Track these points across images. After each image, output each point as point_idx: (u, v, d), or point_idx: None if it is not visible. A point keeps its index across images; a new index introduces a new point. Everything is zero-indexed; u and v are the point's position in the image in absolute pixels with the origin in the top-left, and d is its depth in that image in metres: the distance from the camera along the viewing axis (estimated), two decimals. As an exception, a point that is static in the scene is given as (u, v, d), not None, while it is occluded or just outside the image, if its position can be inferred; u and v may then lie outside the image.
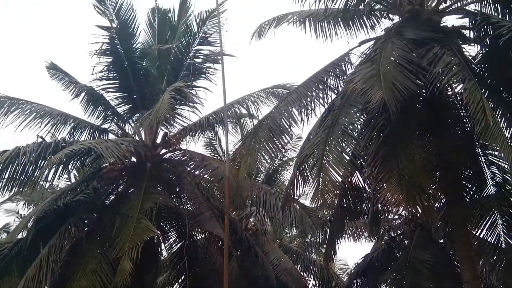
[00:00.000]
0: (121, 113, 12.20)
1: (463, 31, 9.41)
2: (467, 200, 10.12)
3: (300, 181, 9.65)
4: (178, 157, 12.39)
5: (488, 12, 9.06)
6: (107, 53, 11.38)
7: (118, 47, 11.41)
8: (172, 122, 12.00)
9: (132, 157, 11.72)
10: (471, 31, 9.25)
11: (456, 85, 8.57)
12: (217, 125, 13.02)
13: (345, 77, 10.24)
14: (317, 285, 16.20)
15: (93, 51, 11.14)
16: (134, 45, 11.83)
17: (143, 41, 12.48)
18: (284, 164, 17.05)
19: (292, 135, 13.79)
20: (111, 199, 12.22)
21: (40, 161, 10.17)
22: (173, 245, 12.56)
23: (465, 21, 9.33)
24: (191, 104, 11.63)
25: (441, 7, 9.49)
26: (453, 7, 9.43)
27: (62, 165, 10.53)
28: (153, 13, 12.66)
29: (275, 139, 10.21)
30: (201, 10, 12.16)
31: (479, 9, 9.09)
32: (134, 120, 12.27)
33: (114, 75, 11.77)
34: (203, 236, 12.90)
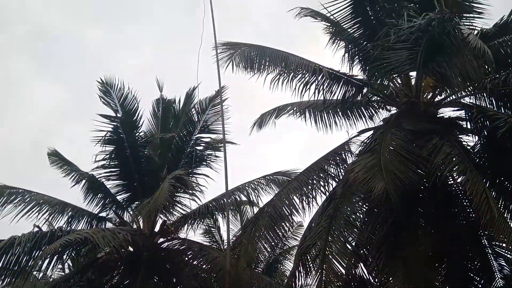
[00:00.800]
0: (120, 201, 12.11)
1: (460, 122, 9.62)
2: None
3: (302, 272, 9.36)
4: (176, 246, 12.11)
5: (483, 104, 9.31)
6: (110, 141, 11.53)
7: (122, 136, 11.59)
8: (171, 210, 11.87)
9: (129, 247, 11.42)
10: (468, 122, 9.47)
11: (457, 175, 8.58)
12: (216, 213, 12.86)
13: (345, 165, 10.30)
14: None
15: (97, 140, 11.29)
16: (137, 134, 12.02)
17: (146, 130, 12.74)
18: (284, 253, 16.60)
19: (293, 223, 13.69)
20: (106, 290, 11.71)
21: (35, 251, 9.88)
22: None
23: (462, 113, 9.59)
24: (191, 191, 11.56)
25: (436, 99, 9.80)
26: (448, 99, 9.72)
27: (57, 255, 10.21)
28: (158, 103, 13.06)
29: (276, 228, 10.10)
30: (200, 99, 12.52)
31: (474, 102, 9.36)
32: (133, 208, 12.14)
33: (116, 163, 11.83)
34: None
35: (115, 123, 11.49)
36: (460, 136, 9.50)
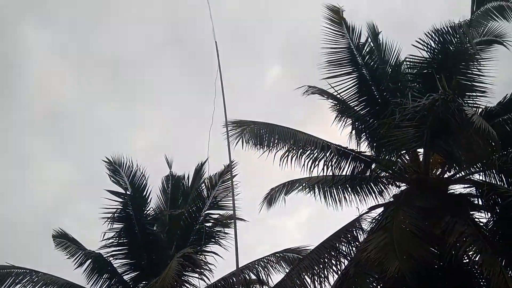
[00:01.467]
0: (127, 281, 11.81)
1: (471, 198, 9.58)
2: None
3: None
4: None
5: (494, 181, 9.31)
6: (119, 219, 11.48)
7: (131, 213, 11.55)
8: (179, 289, 11.54)
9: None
10: (479, 199, 9.42)
11: (472, 255, 8.41)
12: (226, 292, 12.46)
13: (357, 243, 10.16)
14: None
15: (106, 217, 11.24)
16: (146, 211, 11.98)
17: (155, 207, 12.70)
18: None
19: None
20: None
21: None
22: None
23: (472, 189, 9.56)
24: (199, 270, 11.31)
25: (445, 176, 9.83)
26: (458, 176, 9.75)
27: None
28: (167, 180, 13.14)
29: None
30: (210, 175, 12.58)
31: (484, 179, 9.37)
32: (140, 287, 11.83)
33: (124, 241, 11.68)
34: None
35: (124, 200, 11.51)
36: (472, 212, 9.42)
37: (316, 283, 9.70)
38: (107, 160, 11.80)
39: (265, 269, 12.00)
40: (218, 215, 12.41)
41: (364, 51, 10.36)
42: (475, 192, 9.52)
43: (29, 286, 10.68)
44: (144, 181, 12.01)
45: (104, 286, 11.63)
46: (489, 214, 9.36)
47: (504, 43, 9.88)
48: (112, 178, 11.65)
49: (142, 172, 12.03)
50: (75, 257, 11.63)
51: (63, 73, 26.19)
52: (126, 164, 11.91)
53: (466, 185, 9.64)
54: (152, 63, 26.09)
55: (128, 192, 11.65)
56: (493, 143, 7.99)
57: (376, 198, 10.72)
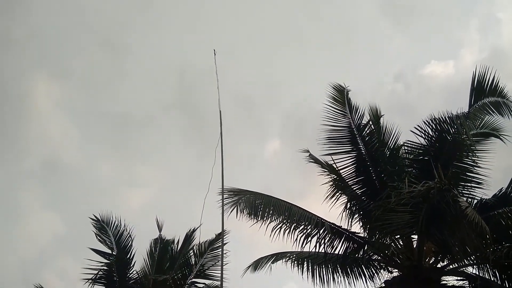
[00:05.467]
0: None
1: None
2: None
3: None
4: None
5: (487, 276, 9.12)
6: (101, 280, 11.15)
7: (114, 275, 11.25)
8: None
9: None
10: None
11: None
12: None
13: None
14: None
15: (88, 277, 10.92)
16: (130, 274, 11.67)
17: (140, 269, 12.37)
18: None
19: None
20: None
21: None
22: None
23: (465, 282, 9.34)
24: None
25: (439, 265, 9.63)
26: (451, 266, 9.55)
27: None
28: (155, 242, 12.91)
29: None
30: (200, 242, 12.36)
31: (477, 273, 9.18)
32: None
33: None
34: None
35: (109, 261, 11.24)
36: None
37: None
38: (95, 218, 11.65)
39: None
40: (203, 285, 12.08)
41: (364, 132, 10.53)
42: (468, 285, 9.29)
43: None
44: (130, 242, 11.80)
45: None
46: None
47: (501, 137, 10.08)
48: (98, 237, 11.50)
49: (129, 233, 11.87)
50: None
51: (66, 126, 26.57)
52: (114, 223, 11.77)
53: (459, 278, 9.42)
54: (155, 125, 26.56)
55: (113, 253, 11.40)
56: (486, 237, 7.90)
57: (366, 282, 10.45)
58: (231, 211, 10.31)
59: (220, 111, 9.29)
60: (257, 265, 11.82)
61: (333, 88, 10.76)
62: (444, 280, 9.50)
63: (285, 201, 10.82)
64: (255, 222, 10.42)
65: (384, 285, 9.81)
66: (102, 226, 11.63)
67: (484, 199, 9.46)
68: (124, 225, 11.79)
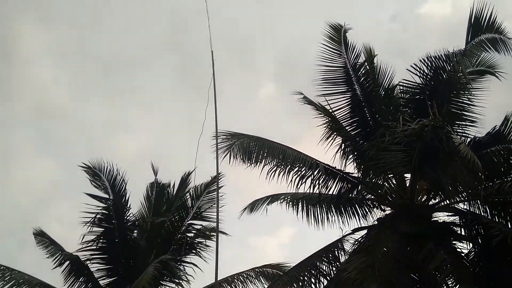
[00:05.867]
0: (103, 286, 11.60)
1: (454, 227, 9.56)
2: None
3: None
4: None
5: (478, 211, 9.32)
6: (99, 223, 11.31)
7: (112, 218, 11.39)
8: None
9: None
10: (462, 229, 9.41)
11: (452, 284, 8.37)
12: (202, 305, 12.26)
13: (338, 263, 10.08)
14: None
15: (86, 221, 11.07)
16: (127, 217, 11.81)
17: (138, 213, 12.55)
18: None
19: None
20: None
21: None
22: None
23: (456, 218, 9.56)
24: (177, 280, 11.15)
25: (430, 203, 9.81)
26: (443, 203, 9.74)
27: None
28: (152, 186, 13.01)
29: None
30: (196, 185, 12.46)
31: (468, 208, 9.37)
32: (115, 294, 11.60)
33: (103, 246, 11.49)
34: None
35: (105, 205, 11.36)
36: (454, 242, 9.40)
37: (293, 300, 9.57)
38: (85, 166, 11.61)
39: (244, 283, 11.88)
40: (200, 226, 12.29)
41: (360, 72, 10.40)
42: (458, 221, 9.51)
43: (0, 284, 10.44)
44: (124, 186, 11.83)
45: (80, 289, 11.42)
46: (471, 244, 9.33)
47: (496, 74, 9.99)
48: (93, 183, 11.51)
49: (122, 177, 11.82)
50: (54, 257, 11.44)
51: (55, 70, 26.05)
52: (106, 168, 11.73)
53: (450, 214, 9.63)
54: (146, 66, 26.01)
55: (109, 197, 11.49)
56: (478, 174, 8.00)
57: (360, 220, 10.67)
58: (225, 155, 10.34)
59: (212, 51, 9.05)
60: (253, 206, 12.00)
61: (330, 26, 10.51)
62: (435, 217, 9.72)
63: (279, 143, 10.84)
64: (249, 165, 10.49)
65: (376, 222, 10.01)
66: (95, 172, 11.61)
67: (477, 137, 9.51)
68: (117, 170, 11.74)
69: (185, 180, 12.54)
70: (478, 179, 8.19)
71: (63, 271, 11.32)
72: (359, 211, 10.62)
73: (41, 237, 11.77)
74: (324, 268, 10.13)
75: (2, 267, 10.79)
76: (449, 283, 8.47)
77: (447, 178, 8.32)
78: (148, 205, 12.79)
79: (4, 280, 10.58)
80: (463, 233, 9.43)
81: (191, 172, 12.29)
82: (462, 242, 9.43)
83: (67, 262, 11.32)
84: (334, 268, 10.02)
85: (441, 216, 9.71)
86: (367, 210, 10.56)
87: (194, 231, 12.20)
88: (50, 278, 11.48)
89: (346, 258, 9.79)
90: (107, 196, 11.47)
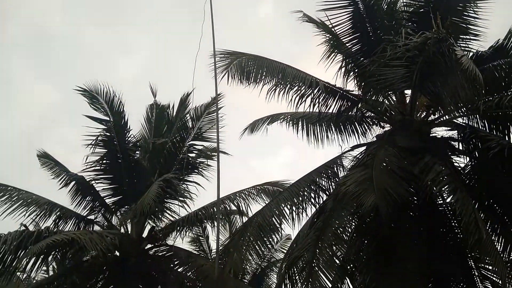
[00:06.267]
0: (109, 205, 11.99)
1: (452, 142, 9.69)
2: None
3: (288, 284, 9.31)
4: (163, 253, 12.00)
5: (476, 126, 9.39)
6: (102, 144, 11.46)
7: (114, 139, 11.52)
8: (159, 216, 11.79)
9: (116, 251, 11.30)
10: (460, 143, 9.54)
11: (447, 195, 8.63)
12: (206, 221, 12.78)
13: (337, 179, 10.32)
14: None
15: (88, 143, 11.21)
16: (128, 138, 11.94)
17: (139, 134, 12.68)
18: (271, 266, 16.50)
19: (281, 235, 13.63)
20: (89, 295, 11.56)
21: (20, 251, 9.73)
22: None
23: (454, 133, 9.66)
24: (180, 198, 11.50)
25: (430, 118, 9.87)
26: (442, 119, 9.80)
27: (42, 256, 10.06)
28: (151, 108, 13.05)
29: (264, 237, 10.05)
30: (196, 106, 12.49)
31: (467, 123, 9.44)
32: (122, 212, 12.03)
33: (106, 166, 11.74)
34: None
35: (106, 126, 11.44)
36: (451, 156, 9.57)
37: (294, 213, 9.91)
38: (81, 89, 11.53)
39: (246, 200, 12.27)
40: (202, 147, 12.49)
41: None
42: (457, 136, 9.61)
43: (8, 203, 10.77)
44: (122, 108, 11.85)
45: (87, 208, 11.81)
46: (467, 159, 9.52)
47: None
48: (91, 105, 11.52)
49: (119, 99, 11.81)
50: (60, 178, 11.72)
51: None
52: (103, 90, 11.68)
53: (448, 128, 9.71)
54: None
55: (109, 119, 11.55)
56: (478, 87, 7.96)
57: (359, 138, 10.79)
58: (224, 75, 10.20)
59: (207, -32, 8.69)
60: (253, 127, 12.06)
61: None
62: (434, 132, 9.82)
63: (278, 62, 10.66)
64: (248, 85, 10.39)
65: (375, 139, 10.13)
66: (92, 95, 11.56)
67: (480, 51, 9.35)
68: (113, 92, 11.70)
69: (184, 101, 12.55)
70: (479, 93, 8.16)
71: (69, 191, 11.68)
72: (358, 129, 10.71)
73: (45, 158, 11.99)
74: (324, 183, 10.40)
75: (10, 188, 11.09)
76: (444, 195, 8.75)
77: (447, 92, 8.29)
78: (148, 126, 12.89)
79: (12, 200, 10.92)
80: (460, 148, 9.59)
81: (190, 93, 12.29)
82: (459, 156, 9.62)
83: (73, 183, 11.63)
84: (333, 183, 10.28)
85: (440, 131, 9.81)
86: (367, 128, 10.65)
87: (196, 152, 12.41)
88: (56, 200, 11.87)
89: (345, 173, 10.00)
90: (107, 118, 11.53)
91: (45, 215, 11.22)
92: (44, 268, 12.91)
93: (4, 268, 10.00)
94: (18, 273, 11.68)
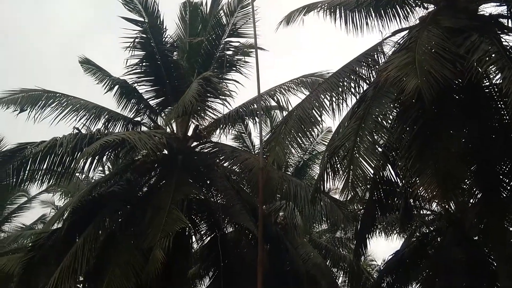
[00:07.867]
0: (154, 106, 12.35)
1: (501, 19, 9.10)
2: (504, 195, 9.75)
3: (330, 174, 9.47)
4: (209, 149, 12.47)
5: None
6: (139, 46, 11.50)
7: (151, 40, 11.52)
8: (202, 114, 12.09)
9: (164, 150, 11.83)
10: (510, 20, 8.94)
11: (493, 75, 8.30)
12: (247, 118, 13.00)
13: (377, 67, 10.02)
14: (347, 281, 15.99)
15: (126, 45, 11.27)
16: (165, 38, 11.90)
17: (174, 35, 12.61)
18: (313, 158, 16.93)
19: (322, 127, 13.75)
20: (144, 190, 12.39)
21: (76, 152, 10.34)
22: (204, 237, 12.61)
23: (503, 9, 9.02)
24: (221, 96, 11.66)
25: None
26: (490, -6, 9.12)
27: (97, 156, 10.69)
28: (185, 7, 12.80)
29: (305, 129, 10.04)
30: (229, 1, 12.14)
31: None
32: (166, 112, 12.39)
33: (147, 68, 11.89)
34: (233, 229, 12.94)
35: (142, 28, 11.38)
36: (500, 34, 9.02)
37: (334, 104, 9.87)
38: None
39: (285, 94, 12.29)
40: (238, 43, 12.33)
41: None
42: (506, 12, 8.98)
43: (58, 109, 11.27)
44: (157, 7, 11.66)
45: (133, 110, 12.23)
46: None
47: None
48: (126, 6, 11.37)
49: None
50: (104, 82, 12.03)
51: None
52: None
53: (497, 4, 9.05)
54: None
55: (144, 20, 11.45)
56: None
57: (401, 22, 10.28)
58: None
59: None
60: (289, 18, 11.61)
61: None
62: (481, 10, 9.21)
63: None
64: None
65: (418, 21, 9.64)
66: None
67: None
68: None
69: (216, -4, 12.19)
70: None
71: (114, 95, 12.04)
72: (400, 12, 10.19)
73: (87, 64, 12.25)
74: (364, 72, 10.15)
75: (59, 94, 11.54)
76: (490, 75, 8.41)
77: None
78: (183, 26, 12.76)
79: (62, 106, 11.41)
80: (510, 25, 9.02)
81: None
82: (509, 35, 9.06)
83: (116, 87, 11.95)
84: (373, 72, 10.04)
85: (488, 7, 9.18)
86: (409, 10, 10.11)
87: (232, 49, 12.30)
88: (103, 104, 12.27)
89: (386, 60, 9.70)
90: (142, 19, 11.45)
91: (95, 119, 11.73)
92: (100, 168, 13.83)
93: (64, 169, 10.76)
94: (77, 174, 12.62)
